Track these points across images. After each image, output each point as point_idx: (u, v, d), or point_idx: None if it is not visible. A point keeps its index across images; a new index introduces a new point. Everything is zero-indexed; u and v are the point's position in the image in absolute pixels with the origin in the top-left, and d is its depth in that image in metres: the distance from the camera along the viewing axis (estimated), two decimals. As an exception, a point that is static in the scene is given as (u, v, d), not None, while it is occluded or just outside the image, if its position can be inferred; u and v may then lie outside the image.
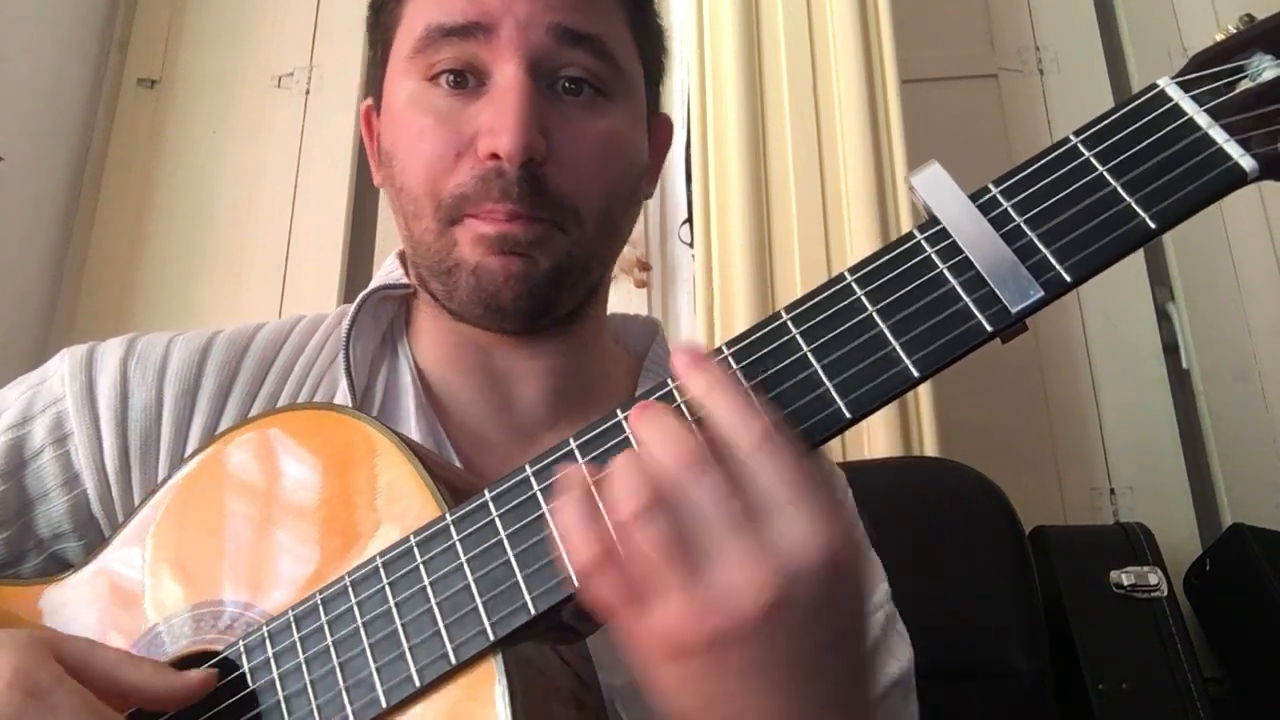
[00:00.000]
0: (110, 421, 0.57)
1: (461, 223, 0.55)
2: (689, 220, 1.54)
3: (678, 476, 0.37)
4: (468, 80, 0.55)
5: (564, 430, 0.60)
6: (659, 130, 0.66)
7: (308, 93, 1.82)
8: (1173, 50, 1.89)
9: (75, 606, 0.52)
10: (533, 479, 0.43)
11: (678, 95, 1.60)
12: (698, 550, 0.36)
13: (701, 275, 1.43)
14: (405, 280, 0.63)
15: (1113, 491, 1.63)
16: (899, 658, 0.59)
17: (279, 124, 1.81)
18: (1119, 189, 0.39)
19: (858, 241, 1.37)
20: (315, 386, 0.61)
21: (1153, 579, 1.33)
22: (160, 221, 1.76)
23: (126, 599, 0.51)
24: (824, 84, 1.47)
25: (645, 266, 1.61)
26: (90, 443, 0.57)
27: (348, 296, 1.71)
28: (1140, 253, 1.78)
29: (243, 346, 0.61)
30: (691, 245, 1.52)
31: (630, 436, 0.41)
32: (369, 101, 0.64)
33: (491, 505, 0.43)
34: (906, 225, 1.38)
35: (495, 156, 0.52)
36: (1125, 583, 1.33)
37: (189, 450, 0.57)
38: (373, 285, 0.64)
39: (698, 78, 1.51)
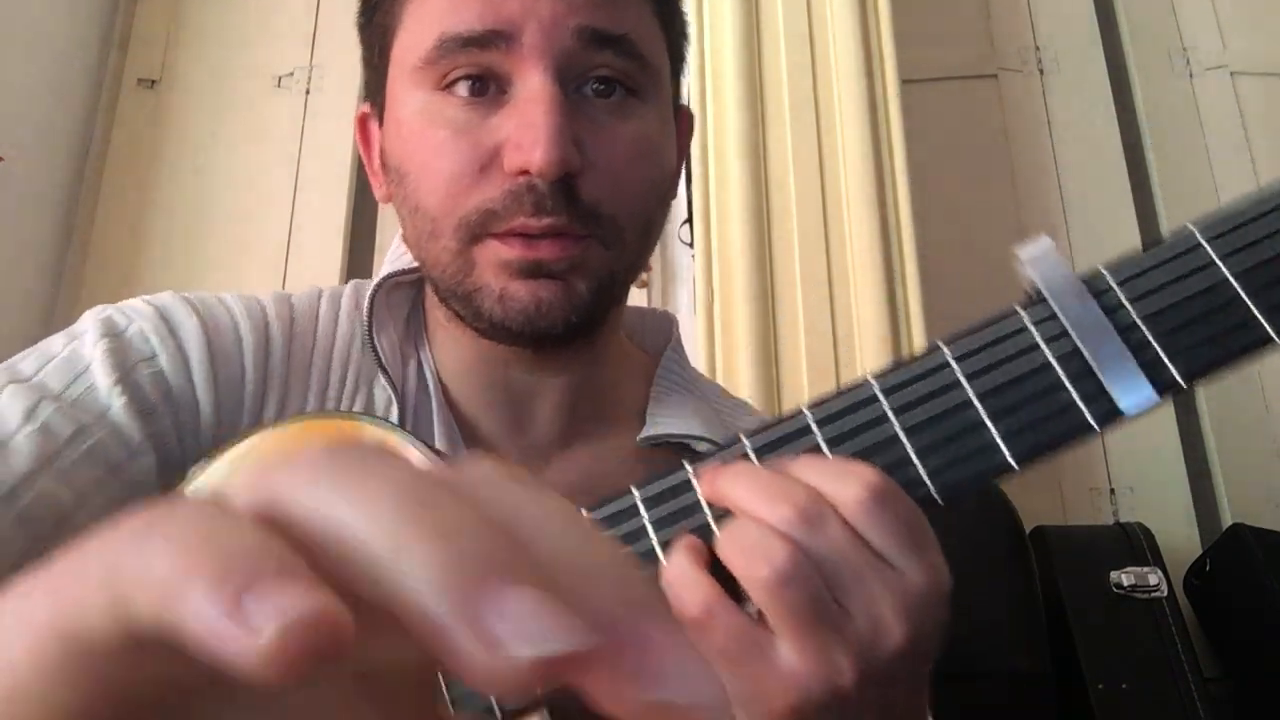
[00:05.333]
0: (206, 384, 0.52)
1: (483, 242, 0.51)
2: (689, 220, 1.54)
3: (800, 527, 0.35)
4: (487, 87, 0.50)
5: (576, 450, 0.58)
6: (681, 124, 0.61)
7: (308, 93, 1.83)
8: (1172, 50, 1.89)
9: None
10: None
11: (678, 95, 1.60)
12: (836, 597, 0.35)
13: (701, 275, 1.43)
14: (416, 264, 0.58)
15: (1113, 491, 1.63)
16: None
17: (279, 124, 1.81)
18: (1241, 294, 0.36)
19: (858, 241, 1.37)
20: (356, 381, 0.57)
21: (1153, 579, 1.33)
22: (160, 221, 1.76)
23: None
24: (824, 84, 1.47)
25: (645, 267, 1.61)
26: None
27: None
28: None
29: (287, 339, 0.57)
30: (691, 245, 1.52)
31: (712, 494, 0.39)
32: (365, 108, 0.60)
33: None
34: (907, 226, 1.38)
35: (525, 172, 0.49)
36: (1125, 583, 1.33)
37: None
38: (385, 272, 0.60)
39: (698, 78, 1.51)
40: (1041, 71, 1.89)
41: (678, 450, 0.58)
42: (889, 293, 1.33)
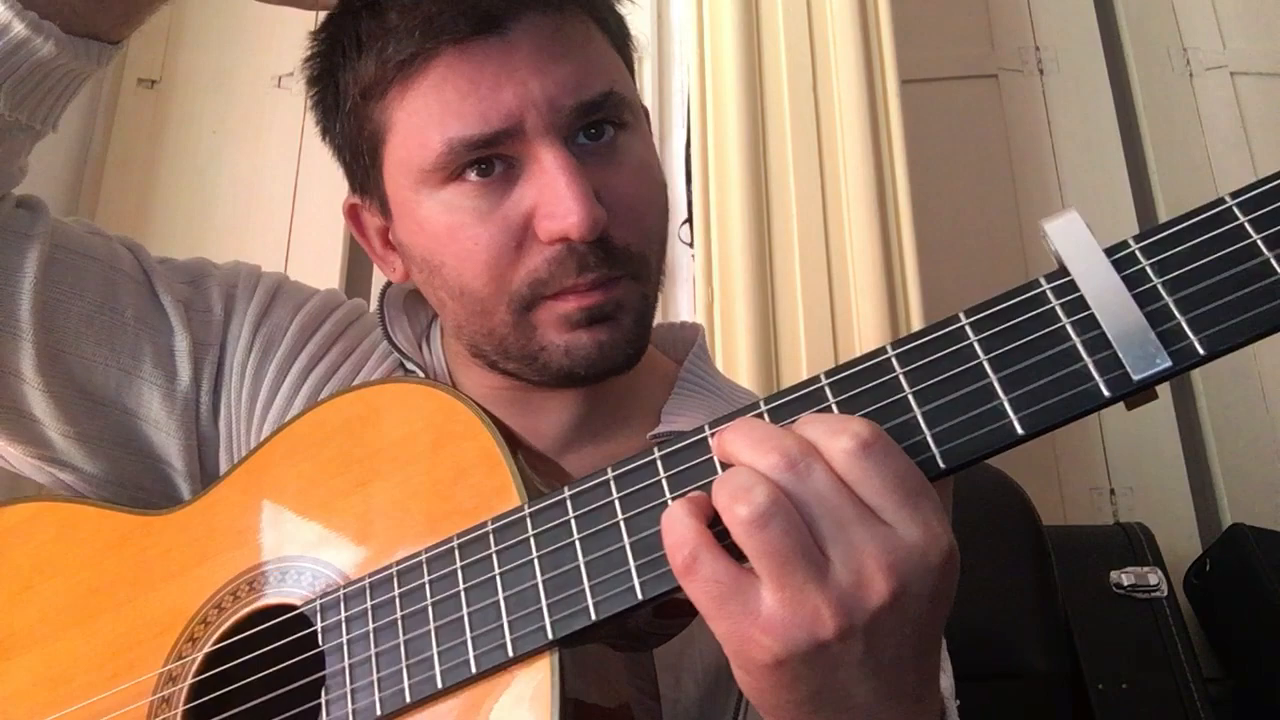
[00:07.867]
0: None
1: (538, 307, 0.55)
2: (689, 220, 1.54)
3: (786, 472, 0.36)
4: (494, 167, 0.54)
5: (584, 450, 0.62)
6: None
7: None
8: (1172, 50, 1.89)
9: (169, 543, 0.56)
10: (613, 484, 0.43)
11: (677, 95, 1.60)
12: (819, 544, 0.36)
13: (701, 275, 1.43)
14: None
15: (1113, 491, 1.63)
16: (947, 672, 0.58)
17: (279, 124, 1.80)
18: (1273, 261, 0.35)
19: (858, 241, 1.37)
20: (392, 368, 0.65)
21: (1153, 579, 1.33)
22: (160, 221, 1.76)
23: (225, 542, 0.54)
24: (824, 84, 1.47)
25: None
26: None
27: (347, 296, 1.71)
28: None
29: (346, 322, 0.69)
30: (691, 245, 1.52)
31: (717, 450, 0.41)
32: (353, 200, 0.62)
33: (569, 504, 0.43)
34: (907, 225, 1.38)
35: (563, 238, 0.52)
36: (1125, 583, 1.33)
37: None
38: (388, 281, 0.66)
39: (698, 78, 1.51)
40: (1041, 71, 1.89)
41: None
42: (889, 293, 1.33)
